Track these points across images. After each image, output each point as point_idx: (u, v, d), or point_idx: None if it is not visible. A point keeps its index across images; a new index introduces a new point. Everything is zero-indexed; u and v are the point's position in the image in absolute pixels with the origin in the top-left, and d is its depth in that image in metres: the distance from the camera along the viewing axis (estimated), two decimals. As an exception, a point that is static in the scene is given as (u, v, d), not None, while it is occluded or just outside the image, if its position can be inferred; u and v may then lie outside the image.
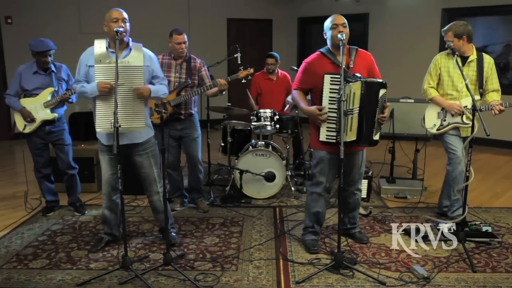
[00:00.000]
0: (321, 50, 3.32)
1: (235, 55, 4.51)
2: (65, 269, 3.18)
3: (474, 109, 3.22)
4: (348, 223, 3.63)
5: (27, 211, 4.29)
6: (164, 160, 3.06)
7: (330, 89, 3.11)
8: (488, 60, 3.77)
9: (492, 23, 7.07)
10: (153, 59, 3.31)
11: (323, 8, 8.63)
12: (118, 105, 2.92)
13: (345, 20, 3.20)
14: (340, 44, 3.06)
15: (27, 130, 3.95)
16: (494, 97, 3.71)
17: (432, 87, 3.86)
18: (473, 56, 3.75)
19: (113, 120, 2.85)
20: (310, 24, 9.03)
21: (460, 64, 3.54)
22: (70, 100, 4.02)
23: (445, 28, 3.77)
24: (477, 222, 3.68)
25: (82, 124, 7.45)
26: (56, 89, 3.97)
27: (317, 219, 3.47)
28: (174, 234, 3.56)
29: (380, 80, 3.16)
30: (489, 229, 3.59)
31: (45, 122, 3.96)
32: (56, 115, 3.98)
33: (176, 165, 4.25)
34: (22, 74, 3.94)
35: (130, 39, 3.21)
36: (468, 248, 3.38)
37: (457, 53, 3.53)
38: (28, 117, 3.90)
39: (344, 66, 3.04)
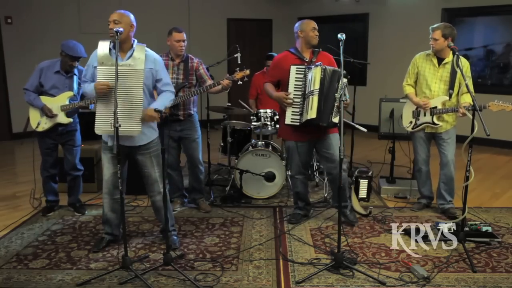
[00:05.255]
0: (289, 49, 3.84)
1: (235, 55, 4.51)
2: (65, 269, 3.18)
3: (474, 109, 3.23)
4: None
5: (34, 207, 4.32)
6: (165, 160, 3.06)
7: (296, 78, 3.61)
8: (463, 64, 3.87)
9: (492, 23, 7.07)
10: (158, 61, 3.28)
11: (323, 8, 8.63)
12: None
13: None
14: (341, 46, 3.22)
15: (39, 129, 3.92)
16: (467, 98, 3.83)
17: (409, 84, 4.12)
18: (449, 58, 3.94)
19: (112, 121, 2.86)
20: (310, 24, 8.99)
21: (461, 64, 3.61)
22: (89, 108, 3.99)
23: (434, 26, 3.92)
24: (477, 222, 3.69)
25: (82, 124, 7.41)
26: (76, 93, 3.95)
27: (298, 197, 4.03)
28: (175, 238, 3.54)
29: (338, 69, 3.47)
30: (489, 229, 3.59)
31: (58, 124, 3.95)
32: (71, 120, 3.96)
33: (176, 166, 4.25)
34: (43, 70, 3.90)
35: (135, 40, 3.22)
36: (468, 248, 3.39)
37: (457, 53, 3.55)
38: (49, 113, 3.85)
39: (307, 60, 3.69)
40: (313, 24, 3.73)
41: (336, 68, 3.55)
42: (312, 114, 3.50)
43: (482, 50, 7.15)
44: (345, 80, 3.47)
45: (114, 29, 2.96)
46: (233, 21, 8.92)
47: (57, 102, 3.90)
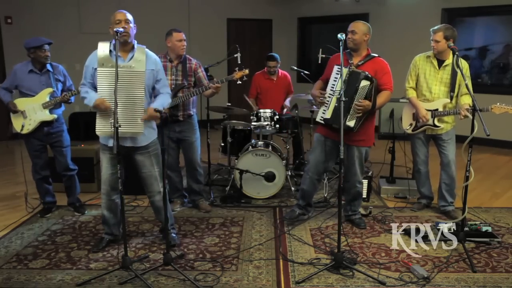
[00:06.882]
0: (346, 50, 3.73)
1: (235, 55, 4.52)
2: (65, 269, 3.18)
3: (474, 109, 3.23)
4: (350, 211, 3.98)
5: (28, 211, 4.28)
6: (164, 160, 3.06)
7: (334, 78, 3.59)
8: (463, 65, 3.84)
9: (492, 23, 7.08)
10: (158, 62, 3.30)
11: (323, 8, 8.62)
12: (118, 110, 2.94)
13: (355, 28, 3.62)
14: (341, 46, 3.22)
15: (24, 131, 3.87)
16: (466, 100, 3.82)
17: (411, 87, 4.09)
18: (449, 60, 3.92)
19: (112, 121, 2.86)
20: (310, 24, 9.00)
21: (461, 65, 3.60)
22: (70, 101, 3.99)
23: (435, 28, 3.90)
24: (477, 222, 3.69)
25: (82, 124, 7.45)
26: (55, 89, 3.93)
27: (302, 194, 3.95)
28: (174, 235, 3.56)
29: (364, 72, 3.46)
30: (489, 229, 3.59)
31: (43, 123, 3.92)
32: (55, 116, 3.93)
33: (175, 166, 4.25)
34: (16, 72, 3.91)
35: (136, 41, 3.21)
36: (468, 248, 3.39)
37: (457, 53, 3.55)
38: (13, 108, 3.83)
39: (354, 64, 3.60)
40: (350, 26, 3.66)
41: (358, 70, 3.50)
42: (328, 114, 3.54)
43: (482, 50, 7.15)
44: (368, 82, 3.43)
45: (114, 29, 2.96)
46: (233, 21, 8.92)
47: (38, 101, 3.86)
